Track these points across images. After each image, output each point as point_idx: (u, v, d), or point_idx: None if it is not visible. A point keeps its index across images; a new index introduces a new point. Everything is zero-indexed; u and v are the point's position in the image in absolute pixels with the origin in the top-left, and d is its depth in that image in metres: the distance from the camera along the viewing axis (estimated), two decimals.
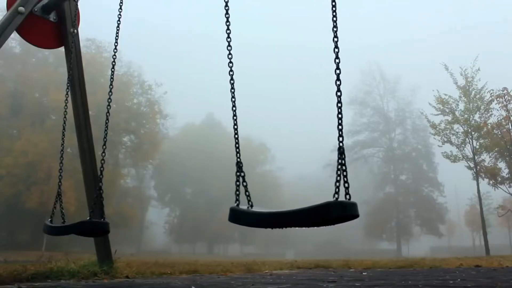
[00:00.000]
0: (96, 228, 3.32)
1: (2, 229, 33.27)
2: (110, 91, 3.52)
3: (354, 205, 1.77)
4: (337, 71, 1.93)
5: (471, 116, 21.66)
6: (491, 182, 21.74)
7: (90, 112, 4.51)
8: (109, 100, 3.49)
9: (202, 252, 53.04)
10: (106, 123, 3.49)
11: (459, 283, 3.02)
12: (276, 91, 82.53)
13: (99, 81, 31.01)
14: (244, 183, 2.19)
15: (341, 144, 1.85)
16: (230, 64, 2.42)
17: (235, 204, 2.13)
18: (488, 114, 21.57)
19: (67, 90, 4.04)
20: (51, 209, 3.56)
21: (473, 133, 21.55)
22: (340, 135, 1.87)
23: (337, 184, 1.79)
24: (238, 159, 2.26)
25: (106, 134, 3.48)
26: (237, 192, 2.16)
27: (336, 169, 1.82)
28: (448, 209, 48.57)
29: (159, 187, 54.89)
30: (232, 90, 2.40)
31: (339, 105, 1.91)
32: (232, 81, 2.41)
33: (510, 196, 24.64)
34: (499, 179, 21.63)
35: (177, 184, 54.43)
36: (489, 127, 21.46)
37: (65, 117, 3.91)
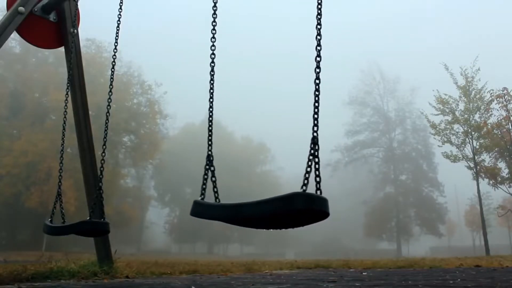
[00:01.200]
0: (96, 228, 3.32)
1: (2, 229, 33.28)
2: (110, 91, 3.53)
3: (323, 200, 1.63)
4: (318, 59, 1.86)
5: (471, 116, 21.67)
6: (491, 182, 21.74)
7: (90, 112, 4.51)
8: (109, 100, 3.49)
9: (202, 252, 53.04)
10: (106, 123, 3.50)
11: (459, 283, 3.02)
12: (276, 91, 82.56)
13: (99, 81, 31.01)
14: (213, 178, 2.11)
15: (315, 134, 1.75)
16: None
17: (200, 198, 2.04)
18: (488, 114, 21.60)
19: (67, 90, 4.04)
20: (51, 209, 3.56)
21: (473, 133, 21.55)
22: (315, 125, 1.77)
23: (307, 175, 1.67)
24: (209, 152, 2.18)
25: (106, 134, 3.48)
26: (204, 186, 2.06)
27: (307, 160, 1.70)
28: (448, 209, 48.57)
29: (159, 187, 54.90)
30: (211, 81, 2.40)
31: (317, 93, 1.82)
32: (212, 73, 2.40)
33: (510, 196, 24.66)
34: (499, 179, 21.63)
35: (177, 184, 54.43)
36: (489, 127, 21.47)
37: (65, 117, 3.92)
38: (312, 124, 1.78)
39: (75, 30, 4.34)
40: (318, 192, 1.66)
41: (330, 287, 2.89)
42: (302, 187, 1.64)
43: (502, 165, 21.91)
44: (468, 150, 21.69)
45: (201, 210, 1.96)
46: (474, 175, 21.46)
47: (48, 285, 3.18)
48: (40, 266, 3.96)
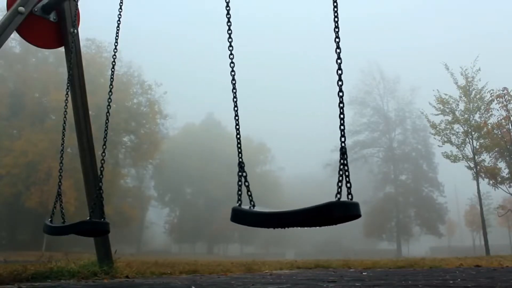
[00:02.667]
0: (96, 228, 3.32)
1: (2, 229, 33.28)
2: (110, 91, 3.52)
3: (356, 205, 1.77)
4: (339, 72, 1.92)
5: (471, 116, 21.67)
6: (491, 182, 21.74)
7: (90, 112, 4.51)
8: (109, 100, 3.49)
9: (202, 252, 53.05)
10: (106, 123, 3.50)
11: (459, 283, 3.02)
12: (277, 91, 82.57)
13: (99, 81, 31.01)
14: (246, 183, 2.18)
15: (343, 144, 1.85)
16: (232, 65, 2.42)
17: (237, 204, 2.13)
18: (488, 114, 21.59)
19: (67, 90, 4.04)
20: (51, 209, 3.56)
21: (473, 133, 21.55)
22: (342, 135, 1.87)
23: (339, 184, 1.79)
24: (240, 159, 2.25)
25: (106, 134, 3.48)
26: (239, 192, 2.15)
27: (338, 169, 1.81)
28: (448, 209, 48.55)
29: (159, 187, 54.89)
30: (234, 91, 2.40)
31: (341, 105, 1.90)
32: (233, 81, 2.41)
33: (510, 196, 24.66)
34: (499, 179, 21.63)
35: (177, 184, 54.43)
36: (489, 127, 21.47)
37: (65, 117, 3.92)
38: (340, 135, 1.87)
39: (75, 30, 4.34)
40: (349, 196, 1.79)
41: (330, 287, 2.89)
42: (336, 196, 1.76)
43: (502, 165, 21.92)
44: (468, 150, 21.72)
45: (242, 217, 2.08)
46: (474, 175, 21.46)
47: (48, 285, 3.18)
48: (40, 266, 3.96)
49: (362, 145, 50.05)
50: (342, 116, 1.89)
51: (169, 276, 4.52)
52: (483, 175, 21.61)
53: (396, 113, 50.97)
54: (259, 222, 2.02)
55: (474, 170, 21.31)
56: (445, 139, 22.05)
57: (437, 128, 22.47)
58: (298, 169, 67.21)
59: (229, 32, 2.46)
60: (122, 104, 34.45)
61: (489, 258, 11.40)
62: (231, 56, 2.43)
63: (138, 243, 48.73)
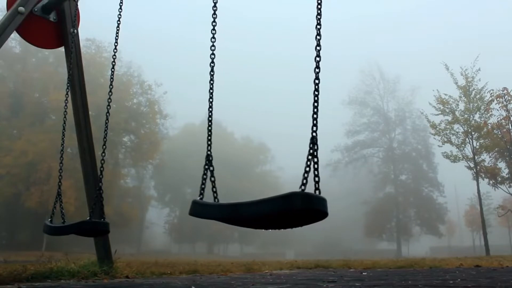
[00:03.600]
0: (96, 228, 3.32)
1: (2, 229, 33.27)
2: (110, 91, 3.53)
3: (322, 200, 1.61)
4: (317, 59, 1.86)
5: (471, 116, 21.66)
6: (491, 182, 21.74)
7: (90, 112, 4.52)
8: (109, 100, 3.50)
9: (202, 252, 53.04)
10: (106, 123, 3.50)
11: (459, 283, 3.02)
12: (277, 91, 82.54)
13: (99, 81, 31.00)
14: (212, 178, 2.12)
15: (314, 134, 1.75)
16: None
17: (199, 197, 2.05)
18: (488, 114, 21.58)
19: (67, 90, 4.04)
20: (51, 209, 3.56)
21: (473, 133, 21.54)
22: (314, 125, 1.77)
23: (305, 175, 1.67)
24: (209, 152, 2.18)
25: (106, 134, 3.48)
26: (203, 186, 2.07)
27: (306, 160, 1.70)
28: (448, 209, 48.55)
29: (159, 187, 54.88)
30: (211, 82, 2.40)
31: (316, 93, 1.83)
32: (212, 73, 2.41)
33: (510, 196, 24.65)
34: (499, 179, 21.63)
35: (177, 184, 54.42)
36: (489, 127, 21.46)
37: (65, 117, 3.92)
38: (312, 124, 1.78)
39: (75, 30, 4.34)
40: (317, 192, 1.66)
41: (330, 287, 2.89)
42: (300, 187, 1.63)
43: (502, 165, 21.91)
44: (468, 150, 21.71)
45: (199, 209, 1.96)
46: (474, 175, 21.45)
47: (48, 285, 3.18)
48: (40, 266, 3.96)
49: (362, 145, 50.06)
50: (316, 104, 1.81)
51: (169, 276, 4.53)
52: (483, 175, 21.61)
53: (396, 113, 51.00)
54: (215, 214, 1.90)
55: (474, 170, 21.31)
56: (445, 139, 22.05)
57: (437, 128, 22.46)
58: (298, 169, 66.92)
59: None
60: (122, 104, 34.45)
61: (489, 258, 11.41)
62: (213, 48, 2.40)
63: (138, 243, 48.71)
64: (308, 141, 1.75)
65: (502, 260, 8.13)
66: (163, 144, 41.90)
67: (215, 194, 2.07)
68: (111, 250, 4.43)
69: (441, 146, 22.52)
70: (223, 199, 2.04)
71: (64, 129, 3.88)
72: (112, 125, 22.61)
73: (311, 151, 1.71)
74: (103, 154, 3.42)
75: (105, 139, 3.47)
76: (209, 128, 2.31)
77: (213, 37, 2.41)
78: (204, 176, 2.09)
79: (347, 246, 53.98)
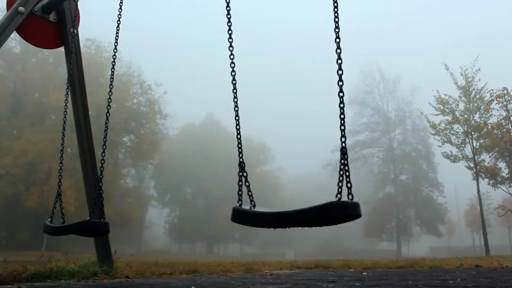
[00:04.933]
0: (96, 228, 3.32)
1: (2, 229, 33.27)
2: (110, 91, 3.53)
3: (356, 205, 1.77)
4: (339, 72, 1.93)
5: (471, 116, 21.66)
6: (491, 182, 21.74)
7: (90, 112, 4.52)
8: (109, 100, 3.49)
9: (202, 252, 53.02)
10: (106, 123, 3.50)
11: (459, 283, 3.02)
12: (277, 92, 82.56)
13: (99, 81, 31.01)
14: (247, 183, 2.19)
15: (343, 144, 1.86)
16: (232, 65, 2.42)
17: (238, 204, 2.13)
18: (488, 114, 21.58)
19: (67, 90, 4.04)
20: (51, 209, 3.56)
21: (473, 133, 21.54)
22: (343, 136, 1.88)
23: (340, 184, 1.79)
24: (241, 159, 2.24)
25: (106, 134, 3.48)
26: (240, 192, 2.16)
27: (338, 169, 1.82)
28: (448, 209, 48.55)
29: (159, 187, 54.86)
30: (235, 91, 2.39)
31: (342, 105, 1.91)
32: (234, 82, 2.41)
33: (510, 196, 24.65)
34: (499, 179, 21.63)
35: (177, 184, 54.41)
36: (489, 127, 21.46)
37: (65, 117, 3.92)
38: (340, 135, 1.87)
39: (75, 30, 4.34)
40: (350, 196, 1.80)
41: (330, 287, 2.89)
42: (336, 196, 1.76)
43: (502, 165, 21.91)
44: (468, 150, 21.71)
45: (243, 217, 2.07)
46: (474, 175, 21.45)
47: (48, 285, 3.18)
48: (40, 266, 3.96)
49: (362, 145, 50.06)
50: (342, 116, 1.90)
51: (169, 276, 4.53)
52: (483, 175, 21.61)
53: (396, 113, 50.99)
54: (259, 222, 2.02)
55: (474, 170, 21.31)
56: (445, 139, 22.05)
57: (437, 128, 22.46)
58: (298, 169, 67.17)
59: (230, 32, 2.46)
60: (122, 104, 34.45)
61: (489, 258, 11.41)
62: (232, 56, 2.43)
63: (138, 243, 48.71)
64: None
65: (502, 260, 8.13)
66: (163, 144, 41.89)
67: (251, 198, 2.14)
68: (111, 250, 4.43)
69: (441, 146, 22.54)
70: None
71: (64, 129, 3.88)
72: (112, 125, 22.62)
73: (342, 161, 1.83)
74: (103, 154, 3.41)
75: (105, 139, 3.47)
76: (238, 136, 2.37)
77: (231, 46, 2.44)
78: (240, 183, 2.17)
79: (347, 246, 53.99)
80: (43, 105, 32.93)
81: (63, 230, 3.37)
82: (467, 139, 21.64)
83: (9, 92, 32.17)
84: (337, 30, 1.96)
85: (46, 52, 31.09)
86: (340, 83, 1.92)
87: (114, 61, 3.70)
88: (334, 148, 48.42)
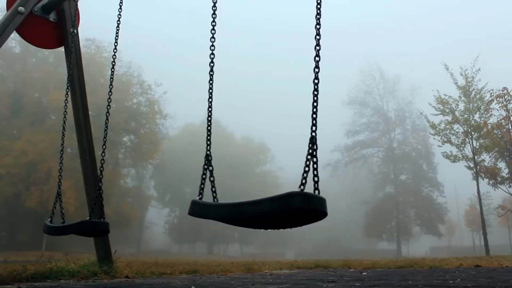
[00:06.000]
0: (96, 228, 3.32)
1: (2, 229, 33.26)
2: (110, 91, 3.53)
3: (321, 200, 1.62)
4: (317, 58, 1.87)
5: (471, 116, 21.66)
6: (491, 182, 21.74)
7: (90, 112, 4.52)
8: (109, 100, 3.50)
9: (202, 252, 53.03)
10: (106, 123, 3.50)
11: (459, 283, 3.02)
12: (277, 91, 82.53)
13: (99, 81, 31.00)
14: (212, 178, 2.13)
15: (313, 134, 1.76)
16: (212, 56, 2.41)
17: (198, 197, 2.05)
18: (488, 114, 21.59)
19: (67, 90, 4.04)
20: (51, 209, 3.56)
21: (473, 133, 21.54)
22: (314, 124, 1.78)
23: (305, 175, 1.67)
24: (208, 152, 2.18)
25: (106, 134, 3.48)
26: (202, 186, 2.08)
27: (305, 160, 1.70)
28: (448, 209, 48.57)
29: (159, 187, 54.88)
30: (211, 82, 2.40)
31: (316, 93, 1.83)
32: (212, 72, 2.41)
33: (510, 196, 24.65)
34: (499, 179, 21.63)
35: (177, 184, 54.42)
36: (489, 127, 21.46)
37: (65, 117, 3.92)
38: (311, 124, 1.78)
39: (75, 30, 4.34)
40: (316, 191, 1.66)
41: (330, 287, 2.89)
42: (299, 187, 1.63)
43: (502, 165, 21.91)
44: (468, 150, 21.71)
45: (198, 209, 1.96)
46: (474, 175, 21.45)
47: (48, 285, 3.18)
48: (40, 266, 3.96)
49: (362, 145, 50.07)
50: (315, 104, 1.81)
51: (169, 276, 4.53)
52: (483, 175, 21.61)
53: (396, 113, 51.01)
54: (215, 214, 1.90)
55: (474, 170, 21.31)
56: (445, 139, 22.06)
57: (437, 128, 22.47)
58: (298, 169, 66.91)
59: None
60: (122, 104, 34.44)
61: (489, 258, 11.41)
62: (212, 48, 2.41)
63: (138, 243, 48.71)
64: (308, 141, 1.75)
65: (502, 260, 8.13)
66: (163, 144, 41.89)
67: (214, 194, 2.07)
68: (111, 250, 4.43)
69: (441, 146, 22.55)
70: (223, 199, 2.04)
71: (64, 129, 3.88)
72: (112, 125, 22.61)
73: (310, 150, 1.71)
74: (103, 154, 3.42)
75: (105, 139, 3.47)
76: (209, 128, 2.30)
77: (213, 37, 2.43)
78: (204, 176, 2.09)
79: (347, 246, 53.99)
80: (43, 105, 32.92)
81: (63, 230, 3.37)
82: (467, 139, 21.65)
83: (9, 92, 32.17)
84: (318, 26, 1.92)
85: (46, 52, 31.09)
86: (316, 70, 1.85)
87: (114, 61, 3.70)
88: (334, 148, 48.51)
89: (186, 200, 56.70)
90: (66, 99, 3.95)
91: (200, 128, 59.15)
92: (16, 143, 29.57)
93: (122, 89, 34.04)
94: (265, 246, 56.16)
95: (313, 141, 1.73)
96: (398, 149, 50.22)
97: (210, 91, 2.39)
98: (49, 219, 3.51)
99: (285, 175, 61.24)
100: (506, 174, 21.69)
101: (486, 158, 21.97)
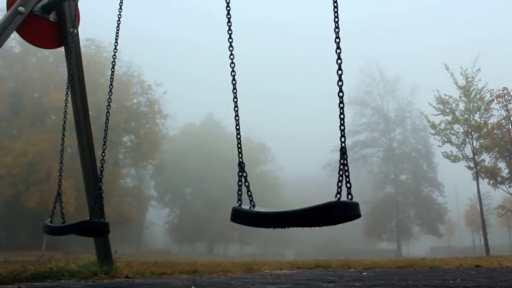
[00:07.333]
0: (96, 228, 3.32)
1: (2, 229, 33.27)
2: (110, 91, 3.53)
3: (356, 205, 1.78)
4: (339, 72, 1.93)
5: (471, 116, 21.66)
6: (491, 182, 21.74)
7: (90, 112, 4.51)
8: (109, 100, 3.49)
9: (202, 252, 53.02)
10: (106, 123, 3.50)
11: (459, 283, 3.02)
12: (277, 91, 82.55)
13: (99, 81, 31.00)
14: (246, 183, 2.18)
15: (343, 144, 1.86)
16: (232, 65, 2.42)
17: (237, 204, 2.13)
18: (488, 114, 21.58)
19: (67, 90, 4.04)
20: (51, 209, 3.56)
21: (473, 133, 21.54)
22: (342, 136, 1.88)
23: (339, 184, 1.79)
24: (241, 159, 2.25)
25: (106, 134, 3.48)
26: (239, 192, 2.16)
27: (338, 169, 1.81)
28: (448, 209, 48.56)
29: (159, 187, 54.86)
30: (234, 91, 2.40)
31: (341, 105, 1.91)
32: (234, 82, 2.41)
33: (510, 196, 24.66)
34: (499, 179, 21.63)
35: (177, 184, 54.41)
36: (489, 127, 21.46)
37: (65, 117, 3.92)
38: (340, 135, 1.87)
39: (75, 30, 4.34)
40: (349, 196, 1.80)
41: (330, 287, 2.89)
42: (336, 196, 1.77)
43: (502, 165, 21.91)
44: (468, 150, 21.71)
45: (242, 217, 2.07)
46: (474, 175, 21.45)
47: (48, 285, 3.18)
48: (40, 266, 3.96)
49: (362, 145, 50.07)
50: (342, 116, 1.90)
51: (169, 276, 4.53)
52: (483, 175, 21.61)
53: (396, 113, 51.00)
54: (259, 222, 2.01)
55: (474, 170, 21.31)
56: (445, 139, 22.05)
57: (437, 128, 22.47)
58: (298, 169, 67.20)
59: (230, 32, 2.46)
60: (122, 104, 34.43)
61: (489, 258, 11.41)
62: (231, 57, 2.43)
63: (138, 243, 48.71)
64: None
65: (502, 260, 8.13)
66: (163, 144, 41.87)
67: (250, 198, 2.14)
68: (111, 250, 4.43)
69: (441, 146, 22.55)
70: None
71: (64, 129, 3.88)
72: (112, 125, 22.61)
73: (342, 161, 1.83)
74: (103, 154, 3.41)
75: (105, 139, 3.47)
76: (238, 136, 2.39)
77: (231, 46, 2.45)
78: (239, 183, 2.17)
79: (347, 246, 54.01)
80: (43, 105, 32.92)
81: (63, 230, 3.37)
82: (467, 139, 21.65)
83: (9, 92, 32.16)
84: (337, 30, 1.97)
85: (46, 52, 31.09)
86: (340, 83, 1.93)
87: (114, 61, 3.70)
88: (334, 148, 48.40)
89: (186, 200, 56.82)
90: (66, 99, 3.95)
91: (200, 128, 59.24)
92: (16, 143, 29.57)
93: (122, 89, 34.04)
94: (265, 246, 56.16)
95: (343, 151, 1.85)
96: (398, 149, 50.22)
97: (235, 100, 2.39)
98: (49, 219, 3.51)
99: (285, 175, 61.35)
100: (506, 174, 21.69)
101: (486, 158, 22.00)
